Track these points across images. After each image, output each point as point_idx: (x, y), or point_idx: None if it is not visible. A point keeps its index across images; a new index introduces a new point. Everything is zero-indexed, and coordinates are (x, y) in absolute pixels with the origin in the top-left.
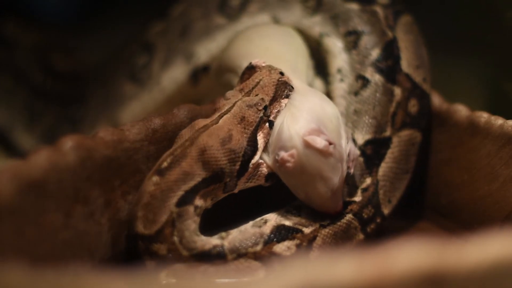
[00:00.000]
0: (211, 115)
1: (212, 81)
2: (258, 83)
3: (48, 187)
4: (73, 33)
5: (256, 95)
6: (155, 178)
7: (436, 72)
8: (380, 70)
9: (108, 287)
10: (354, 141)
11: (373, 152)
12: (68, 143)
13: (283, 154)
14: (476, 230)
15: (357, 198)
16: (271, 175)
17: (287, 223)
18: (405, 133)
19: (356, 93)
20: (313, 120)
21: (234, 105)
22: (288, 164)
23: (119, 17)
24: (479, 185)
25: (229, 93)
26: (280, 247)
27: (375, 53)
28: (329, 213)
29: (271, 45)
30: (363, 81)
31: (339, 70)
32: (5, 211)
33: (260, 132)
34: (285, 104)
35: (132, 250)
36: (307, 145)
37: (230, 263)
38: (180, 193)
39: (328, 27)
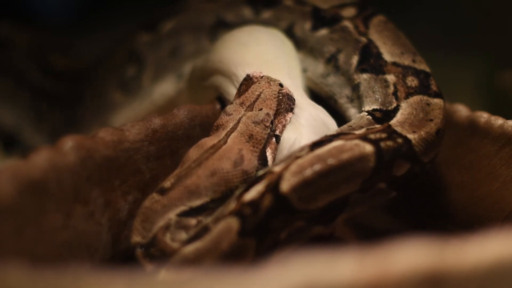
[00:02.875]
0: (215, 132)
1: (186, 84)
2: (259, 96)
3: (48, 187)
4: (71, 32)
5: (260, 109)
6: (156, 196)
7: (436, 72)
8: (365, 71)
9: (108, 287)
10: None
11: (383, 115)
12: (68, 143)
13: None
14: (476, 230)
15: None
16: None
17: None
18: (413, 99)
19: (355, 89)
20: None
21: (239, 121)
22: None
23: (118, 17)
24: (479, 185)
25: (230, 108)
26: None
27: (354, 61)
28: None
29: (267, 51)
30: (356, 87)
31: (330, 98)
32: (5, 211)
33: (268, 148)
34: (290, 118)
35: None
36: None
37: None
38: (184, 207)
39: (308, 61)
